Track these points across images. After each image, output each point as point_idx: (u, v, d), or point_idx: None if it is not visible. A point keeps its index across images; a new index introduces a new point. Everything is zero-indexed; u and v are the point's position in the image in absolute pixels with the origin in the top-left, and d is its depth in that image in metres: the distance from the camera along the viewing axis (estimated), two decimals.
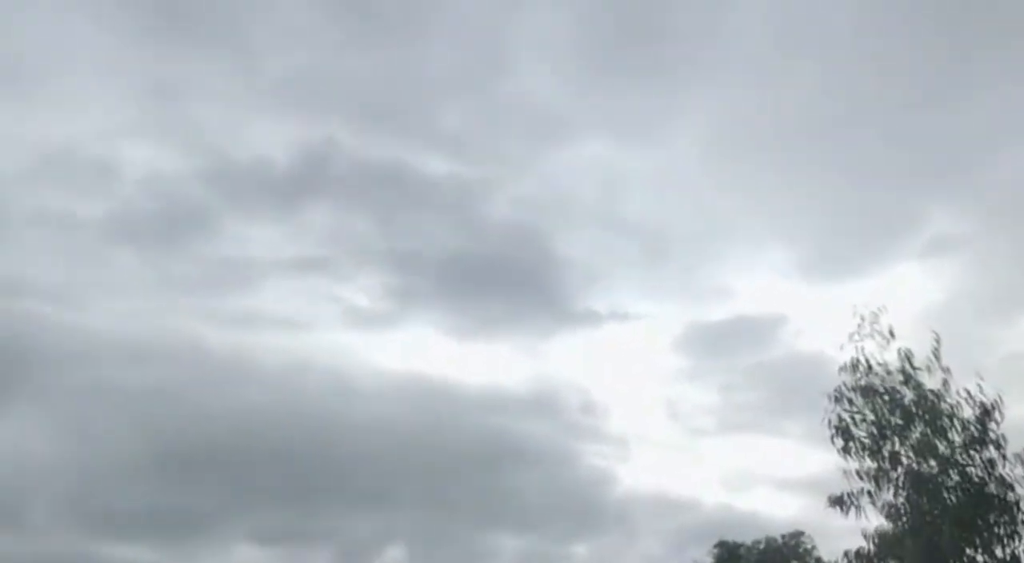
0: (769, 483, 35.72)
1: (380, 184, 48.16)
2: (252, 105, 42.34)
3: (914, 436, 11.56)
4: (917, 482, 11.31)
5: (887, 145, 39.05)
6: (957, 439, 11.44)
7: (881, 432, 11.65)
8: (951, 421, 11.48)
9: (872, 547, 11.62)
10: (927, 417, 11.55)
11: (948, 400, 11.60)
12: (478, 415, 59.64)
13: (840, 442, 11.70)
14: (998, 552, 10.95)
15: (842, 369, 11.86)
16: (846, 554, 11.81)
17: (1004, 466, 11.26)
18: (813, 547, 21.64)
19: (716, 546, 22.48)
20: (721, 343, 40.18)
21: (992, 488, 11.20)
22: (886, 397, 11.75)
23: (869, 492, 11.48)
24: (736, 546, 22.32)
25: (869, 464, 11.59)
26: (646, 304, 42.42)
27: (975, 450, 11.39)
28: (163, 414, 55.33)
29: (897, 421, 11.65)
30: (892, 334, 11.87)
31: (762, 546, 22.26)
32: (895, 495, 11.45)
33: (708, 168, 42.33)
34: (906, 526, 11.35)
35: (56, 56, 43.55)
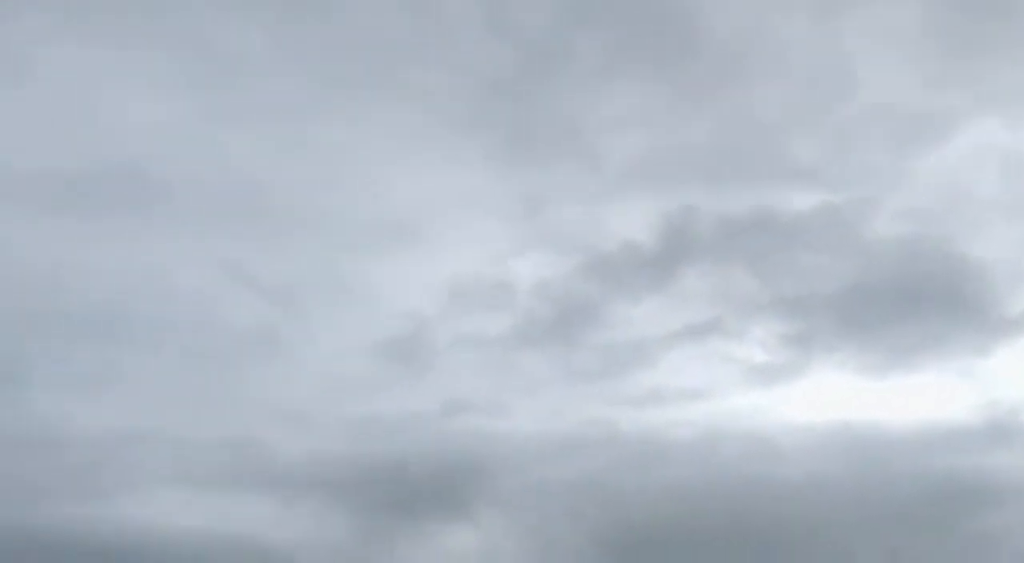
0: None
1: (748, 234, 46.89)
2: (607, 196, 44.54)
3: None
4: None
5: None
6: None
7: None
8: None
9: None
10: None
11: None
12: (920, 457, 53.81)
13: None
14: None
15: None
16: None
17: None
18: None
19: None
20: None
21: None
22: None
23: None
24: None
25: None
26: None
27: None
28: (596, 502, 58.79)
29: None
30: None
31: None
32: None
33: None
34: None
35: (438, 201, 50.23)
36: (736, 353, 56.99)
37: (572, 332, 61.98)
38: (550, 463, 64.43)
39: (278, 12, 46.98)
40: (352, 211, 56.69)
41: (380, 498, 64.98)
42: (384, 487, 63.17)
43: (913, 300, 44.79)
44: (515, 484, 64.71)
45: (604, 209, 47.86)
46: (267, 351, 68.05)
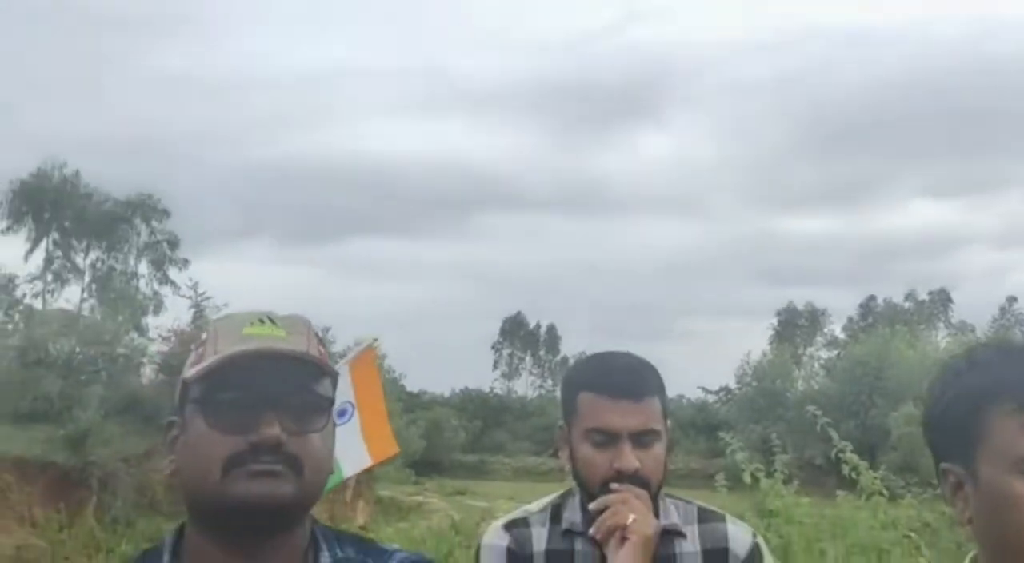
0: None
1: None
2: None
3: None
4: None
5: None
6: None
7: None
8: None
9: None
10: None
11: None
12: None
13: None
14: None
15: None
16: None
17: None
18: None
19: None
20: None
21: None
22: None
23: None
24: None
25: None
26: None
27: None
28: (797, 96, 55.87)
29: None
30: None
31: None
32: None
33: None
34: None
35: None
36: None
37: None
38: (745, 63, 61.73)
39: None
40: None
41: (571, 111, 65.72)
42: (574, 100, 63.35)
43: None
44: (709, 86, 62.72)
45: None
46: None
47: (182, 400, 0.94)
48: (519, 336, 55.86)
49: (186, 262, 30.75)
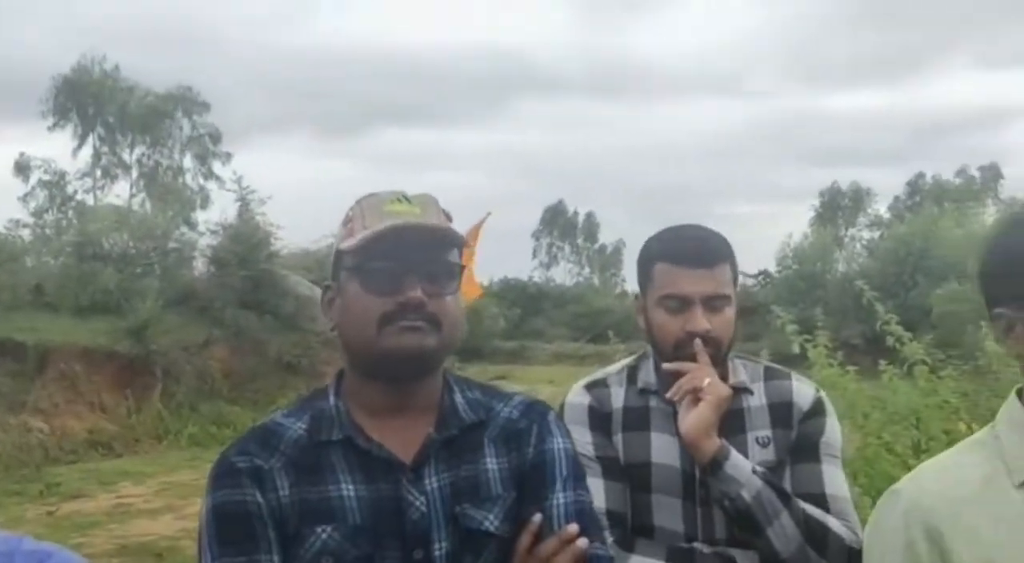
0: None
1: None
2: None
3: None
4: None
5: None
6: None
7: None
8: None
9: None
10: None
11: None
12: None
13: None
14: None
15: None
16: None
17: None
18: None
19: None
20: None
21: None
22: None
23: None
24: None
25: None
26: None
27: None
28: None
29: None
30: None
31: None
32: None
33: None
34: None
35: None
36: None
37: None
38: None
39: None
40: None
41: None
42: None
43: None
44: None
45: None
46: None
47: (336, 268, 1.12)
48: (558, 225, 55.87)
49: (229, 156, 30.97)
